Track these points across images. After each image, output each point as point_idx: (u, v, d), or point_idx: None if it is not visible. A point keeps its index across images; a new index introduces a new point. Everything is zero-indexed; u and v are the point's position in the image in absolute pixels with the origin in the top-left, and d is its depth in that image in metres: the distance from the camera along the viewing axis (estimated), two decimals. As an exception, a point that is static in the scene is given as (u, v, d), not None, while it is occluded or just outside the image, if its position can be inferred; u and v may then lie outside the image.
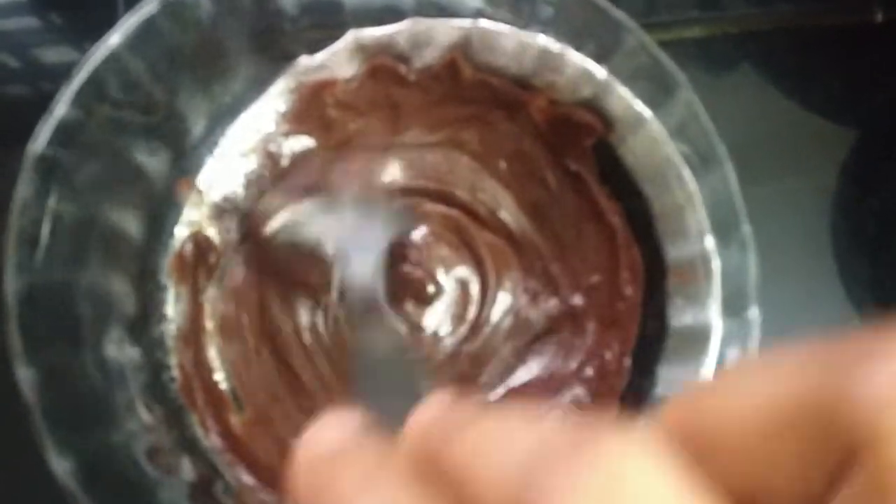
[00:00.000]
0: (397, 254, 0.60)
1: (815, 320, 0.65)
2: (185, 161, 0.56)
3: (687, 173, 0.53)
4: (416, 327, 0.61)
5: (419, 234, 0.61)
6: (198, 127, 0.56)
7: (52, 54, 0.68)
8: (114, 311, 0.52)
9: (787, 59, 0.71)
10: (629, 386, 0.56)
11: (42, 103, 0.47)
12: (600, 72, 0.53)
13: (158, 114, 0.53)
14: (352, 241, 0.53)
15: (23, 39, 0.67)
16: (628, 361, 0.56)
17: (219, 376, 0.57)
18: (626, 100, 0.54)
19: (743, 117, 0.67)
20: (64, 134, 0.48)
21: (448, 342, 0.60)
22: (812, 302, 0.65)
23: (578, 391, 0.58)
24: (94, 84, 0.49)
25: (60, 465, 0.44)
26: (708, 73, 0.70)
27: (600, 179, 0.58)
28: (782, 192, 0.67)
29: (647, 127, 0.53)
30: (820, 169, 0.69)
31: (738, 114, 0.67)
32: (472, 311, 0.61)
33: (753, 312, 0.50)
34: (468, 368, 0.60)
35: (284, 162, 0.59)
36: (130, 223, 0.53)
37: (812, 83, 0.71)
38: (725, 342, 0.51)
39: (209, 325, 0.57)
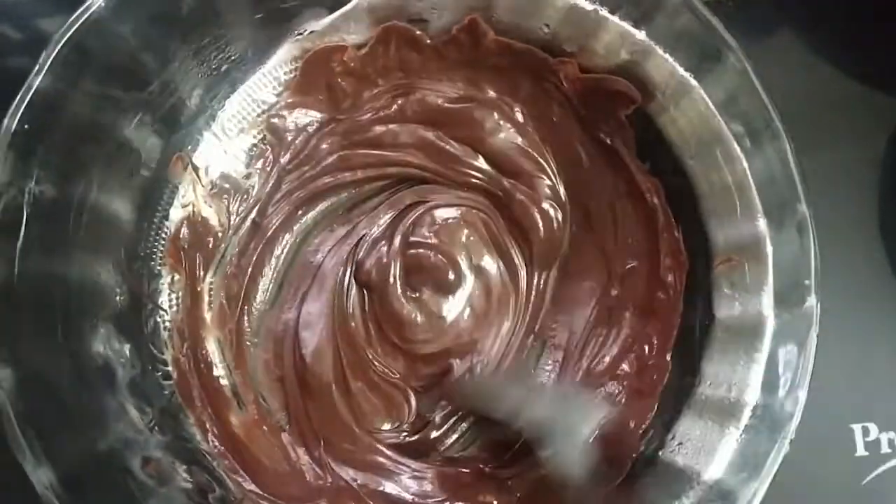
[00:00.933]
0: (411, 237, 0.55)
1: (863, 294, 0.61)
2: (180, 137, 0.51)
3: (736, 148, 0.47)
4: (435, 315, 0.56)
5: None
6: (193, 99, 0.51)
7: (54, 24, 0.63)
8: (101, 302, 0.47)
9: (829, 24, 0.66)
10: (669, 383, 0.51)
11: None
12: (639, 34, 0.48)
13: (149, 85, 0.48)
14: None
15: (23, 10, 0.62)
16: (669, 356, 0.51)
17: (219, 372, 0.52)
18: (669, 65, 0.48)
19: (783, 86, 0.61)
20: (43, 108, 0.43)
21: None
22: (858, 276, 0.61)
23: (613, 388, 0.53)
24: (76, 52, 0.43)
25: (39, 476, 0.39)
26: (746, 39, 0.65)
27: (639, 154, 0.52)
28: (826, 166, 0.62)
29: (691, 95, 0.48)
30: (867, 140, 0.64)
31: (778, 82, 0.61)
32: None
33: (811, 304, 0.44)
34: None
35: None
36: (119, 205, 0.48)
37: (856, 50, 0.65)
38: (778, 336, 0.45)
39: (208, 316, 0.52)
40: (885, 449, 0.57)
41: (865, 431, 0.58)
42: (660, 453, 0.48)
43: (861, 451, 0.58)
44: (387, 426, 0.56)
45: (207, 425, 0.50)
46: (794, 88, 0.62)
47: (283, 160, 0.55)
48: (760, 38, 0.65)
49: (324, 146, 0.56)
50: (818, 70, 0.64)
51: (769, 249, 0.46)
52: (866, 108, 0.65)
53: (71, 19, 0.43)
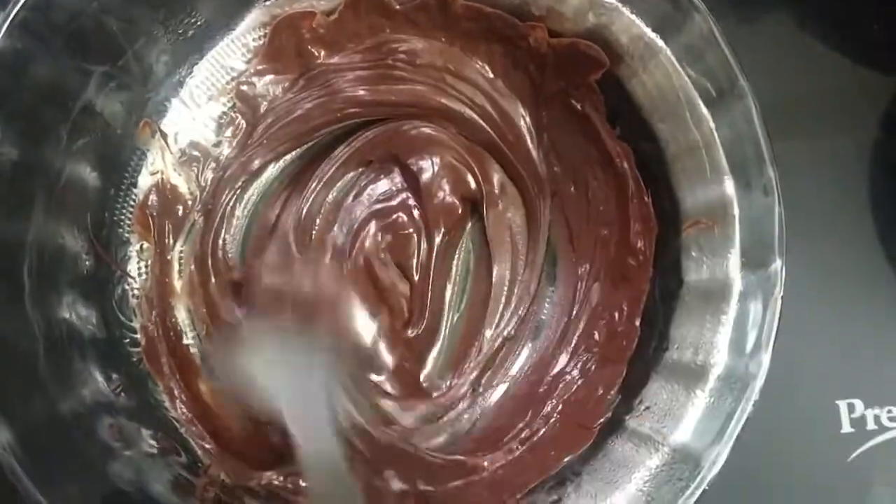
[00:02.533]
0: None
1: (851, 272, 0.60)
2: (147, 103, 0.51)
3: (704, 109, 0.46)
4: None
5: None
6: (159, 65, 0.51)
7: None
8: (67, 268, 0.47)
9: (821, 4, 0.65)
10: (638, 349, 0.50)
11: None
12: (606, -4, 0.47)
13: (113, 49, 0.48)
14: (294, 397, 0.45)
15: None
16: (638, 322, 0.50)
17: (188, 340, 0.52)
18: (636, 27, 0.48)
19: (775, 67, 0.62)
20: (3, 69, 0.42)
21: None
22: (846, 254, 0.60)
23: (584, 355, 0.53)
24: (37, 13, 0.43)
25: (-3, 436, 0.39)
26: (738, 20, 0.64)
27: (609, 119, 0.52)
28: (817, 146, 0.62)
29: (658, 57, 0.47)
30: (859, 120, 0.63)
31: (770, 63, 0.62)
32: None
33: (776, 265, 0.44)
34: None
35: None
36: (84, 171, 0.48)
37: (848, 29, 0.64)
38: (744, 298, 0.45)
39: (178, 284, 0.52)
40: (870, 425, 0.57)
41: (851, 408, 0.57)
42: (627, 418, 0.48)
43: (847, 427, 0.57)
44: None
45: (175, 392, 0.50)
46: (787, 68, 0.63)
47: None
48: (752, 18, 0.64)
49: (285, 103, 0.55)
50: (810, 50, 0.64)
51: (736, 211, 0.46)
52: (858, 87, 0.64)
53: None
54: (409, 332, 0.53)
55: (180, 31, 0.50)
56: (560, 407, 0.52)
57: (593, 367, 0.52)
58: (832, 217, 0.61)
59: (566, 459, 0.48)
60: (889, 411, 0.57)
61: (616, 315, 0.52)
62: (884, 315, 0.59)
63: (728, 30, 0.59)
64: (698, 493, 0.42)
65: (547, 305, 0.56)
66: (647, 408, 0.47)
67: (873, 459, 0.56)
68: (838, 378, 0.58)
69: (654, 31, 0.47)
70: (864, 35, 0.65)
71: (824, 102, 0.63)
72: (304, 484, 0.49)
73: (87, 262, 0.48)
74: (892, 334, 0.59)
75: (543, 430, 0.51)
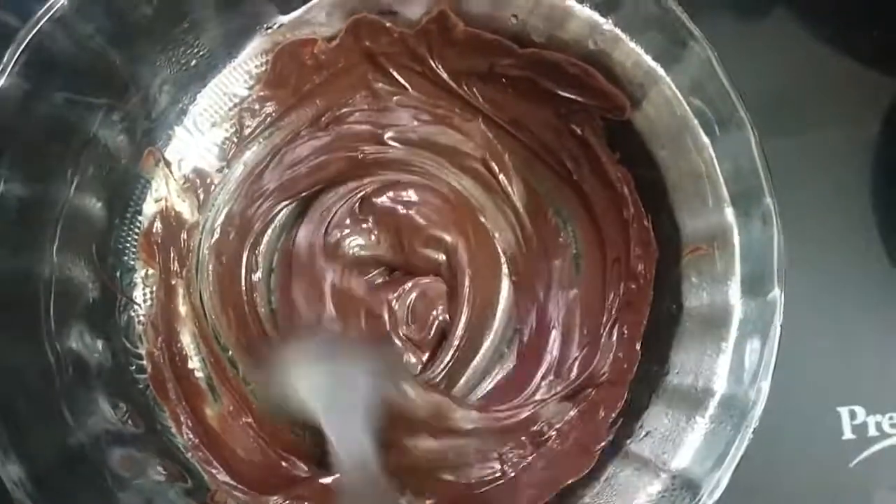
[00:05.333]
0: None
1: (852, 277, 0.60)
2: (151, 132, 0.51)
3: (704, 138, 0.47)
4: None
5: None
6: (163, 95, 0.51)
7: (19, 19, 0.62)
8: (74, 299, 0.48)
9: (824, 3, 0.65)
10: (639, 373, 0.51)
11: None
12: (605, 23, 0.48)
13: (116, 82, 0.48)
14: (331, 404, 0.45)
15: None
16: (638, 346, 0.51)
17: (194, 364, 0.53)
18: (636, 55, 0.48)
19: (776, 66, 0.62)
20: (8, 108, 0.43)
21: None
22: (848, 257, 0.60)
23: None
24: (40, 52, 0.43)
25: (8, 472, 0.40)
26: (738, 18, 0.64)
27: (609, 144, 0.52)
28: (818, 146, 0.62)
29: (659, 85, 0.48)
30: (860, 120, 0.63)
31: (771, 62, 0.62)
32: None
33: (775, 294, 0.44)
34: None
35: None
36: (90, 202, 0.48)
37: (851, 28, 0.64)
38: (744, 325, 0.45)
39: (183, 309, 0.53)
40: (872, 432, 0.57)
41: (853, 415, 0.58)
42: (628, 442, 0.49)
43: (848, 434, 0.57)
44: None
45: (182, 418, 0.50)
46: (788, 67, 0.63)
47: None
48: (750, 17, 0.64)
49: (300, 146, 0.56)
50: (813, 49, 0.64)
51: (736, 239, 0.46)
52: (859, 87, 0.64)
53: (34, 19, 0.43)
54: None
55: (183, 62, 0.50)
56: (561, 429, 0.52)
57: (594, 391, 0.52)
58: (833, 222, 0.61)
59: (567, 483, 0.49)
60: (891, 418, 0.57)
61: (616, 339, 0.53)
62: (885, 321, 0.60)
63: (729, 29, 0.60)
64: (701, 517, 0.42)
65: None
66: (648, 433, 0.48)
67: (875, 466, 0.57)
68: (839, 385, 0.58)
69: (654, 59, 0.48)
70: (869, 38, 0.65)
71: (825, 102, 0.63)
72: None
73: (93, 292, 0.49)
74: (894, 340, 0.59)
75: (539, 450, 0.52)
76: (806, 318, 0.57)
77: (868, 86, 0.63)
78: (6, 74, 0.42)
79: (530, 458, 0.52)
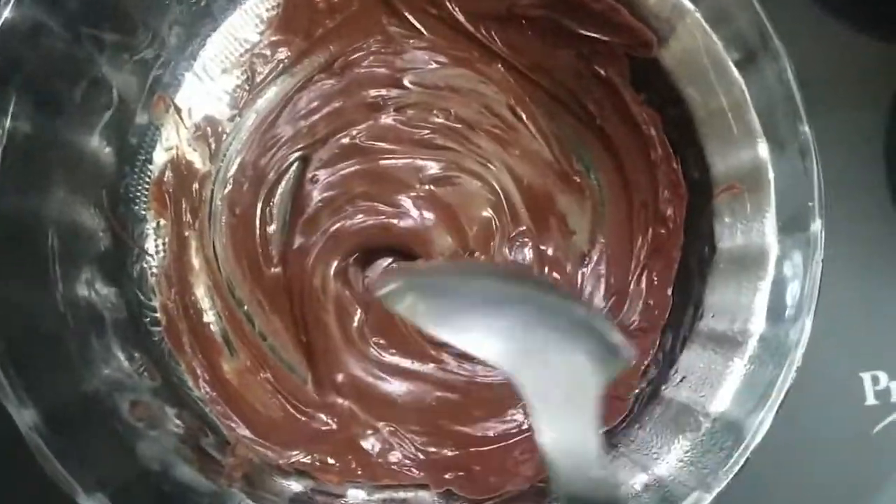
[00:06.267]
0: None
1: (877, 249, 0.59)
2: (161, 77, 0.50)
3: (734, 71, 0.45)
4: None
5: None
6: (172, 37, 0.49)
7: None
8: (84, 245, 0.46)
9: None
10: (671, 318, 0.49)
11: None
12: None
13: (125, 21, 0.46)
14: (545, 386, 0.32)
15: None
16: (670, 291, 0.50)
17: (209, 318, 0.51)
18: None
19: (797, 43, 0.60)
20: (15, 40, 0.41)
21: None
22: (868, 225, 0.59)
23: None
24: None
25: (23, 416, 0.38)
26: None
27: (633, 85, 0.51)
28: (839, 121, 0.60)
29: (687, 19, 0.46)
30: (878, 96, 0.61)
31: (793, 39, 0.60)
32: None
33: (815, 228, 0.43)
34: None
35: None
36: (99, 145, 0.46)
37: (871, 6, 0.63)
38: (781, 262, 0.44)
39: (196, 261, 0.51)
40: (895, 398, 0.56)
41: (875, 380, 0.57)
42: (663, 388, 0.47)
43: (871, 399, 0.56)
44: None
45: (198, 371, 0.49)
46: (808, 45, 0.61)
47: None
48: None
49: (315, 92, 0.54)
50: (832, 27, 0.61)
51: (771, 174, 0.45)
52: (881, 64, 0.62)
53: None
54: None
55: (192, 1, 0.49)
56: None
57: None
58: (854, 186, 0.59)
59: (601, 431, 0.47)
60: None
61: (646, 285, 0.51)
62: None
63: None
64: (742, 461, 0.41)
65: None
66: (684, 378, 0.47)
67: None
68: (862, 350, 0.57)
69: (681, -15, 0.46)
70: (890, 15, 0.63)
71: (841, 78, 0.61)
72: (331, 461, 0.48)
73: (104, 240, 0.47)
74: None
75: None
76: (829, 283, 0.56)
77: (888, 61, 0.61)
78: (12, 5, 0.40)
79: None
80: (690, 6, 0.46)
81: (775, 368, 0.42)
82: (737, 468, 0.41)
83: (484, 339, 0.32)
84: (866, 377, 0.57)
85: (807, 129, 0.43)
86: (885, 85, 0.61)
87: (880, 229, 0.59)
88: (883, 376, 0.57)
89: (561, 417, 0.31)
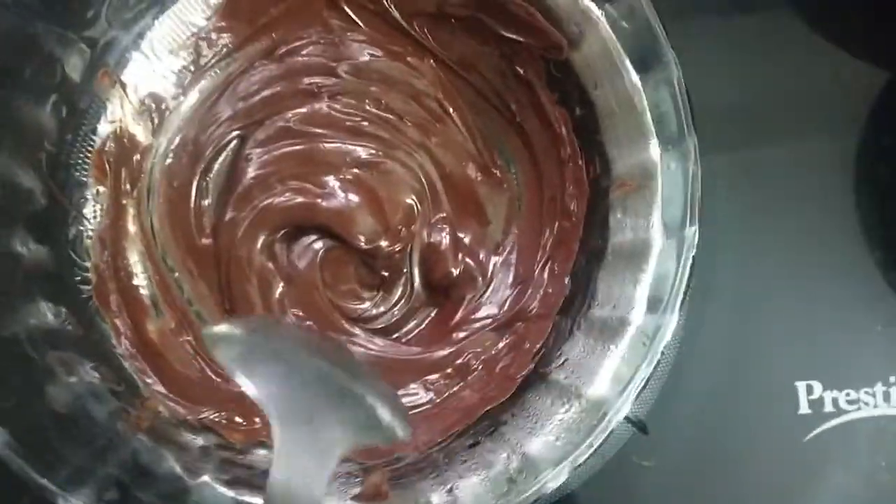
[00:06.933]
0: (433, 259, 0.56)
1: (815, 253, 0.60)
2: (107, 53, 0.53)
3: (635, 79, 0.48)
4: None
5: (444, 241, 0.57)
6: (120, 17, 0.52)
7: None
8: (20, 204, 0.49)
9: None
10: (564, 305, 0.52)
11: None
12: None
13: (75, 2, 0.50)
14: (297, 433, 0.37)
15: None
16: (567, 280, 0.52)
17: (139, 281, 0.55)
18: (574, -5, 0.49)
19: (775, 58, 0.62)
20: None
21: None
22: (814, 240, 0.60)
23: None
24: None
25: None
26: (741, 8, 0.64)
27: (550, 85, 0.54)
28: (804, 140, 0.61)
29: (595, 25, 0.49)
30: (852, 110, 0.62)
31: (772, 54, 0.62)
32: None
33: (693, 229, 0.45)
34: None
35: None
36: (40, 113, 0.50)
37: (842, 22, 0.64)
38: (662, 259, 0.47)
39: (132, 228, 0.55)
40: (828, 408, 0.57)
41: (809, 389, 0.58)
42: (547, 370, 0.50)
43: (804, 408, 0.58)
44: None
45: (122, 329, 0.52)
46: (782, 59, 0.62)
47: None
48: (758, 7, 0.64)
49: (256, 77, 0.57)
50: (811, 42, 0.63)
51: (660, 175, 0.47)
52: (848, 81, 0.63)
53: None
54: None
55: (142, -14, 0.52)
56: (484, 357, 0.54)
57: (522, 324, 0.54)
58: (803, 205, 0.61)
59: (489, 408, 0.50)
60: (847, 394, 0.57)
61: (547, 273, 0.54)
62: (845, 298, 0.60)
63: (712, 30, 0.61)
64: (602, 437, 0.44)
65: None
66: (566, 360, 0.49)
67: (829, 441, 0.57)
68: (798, 359, 0.58)
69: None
70: (854, 29, 0.64)
71: (811, 95, 0.62)
72: (238, 420, 0.52)
73: (42, 201, 0.51)
74: (854, 318, 0.59)
75: (466, 379, 0.53)
76: (769, 293, 0.59)
77: (861, 77, 0.62)
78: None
79: (457, 387, 0.54)
80: (598, 13, 0.49)
81: (642, 358, 0.45)
82: (597, 444, 0.44)
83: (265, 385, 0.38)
84: (801, 386, 0.58)
85: (690, 137, 0.46)
86: (859, 101, 0.62)
87: (824, 240, 0.61)
88: (817, 386, 0.58)
89: (298, 467, 0.36)
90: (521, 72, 0.54)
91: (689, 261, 0.45)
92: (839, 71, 0.62)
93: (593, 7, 0.49)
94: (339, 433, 0.37)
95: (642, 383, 0.44)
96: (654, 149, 0.47)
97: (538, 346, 0.52)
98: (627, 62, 0.48)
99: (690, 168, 0.46)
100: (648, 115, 0.48)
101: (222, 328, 0.40)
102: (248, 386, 0.38)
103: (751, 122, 0.61)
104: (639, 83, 0.48)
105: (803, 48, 0.62)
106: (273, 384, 0.38)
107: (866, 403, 0.57)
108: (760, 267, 0.59)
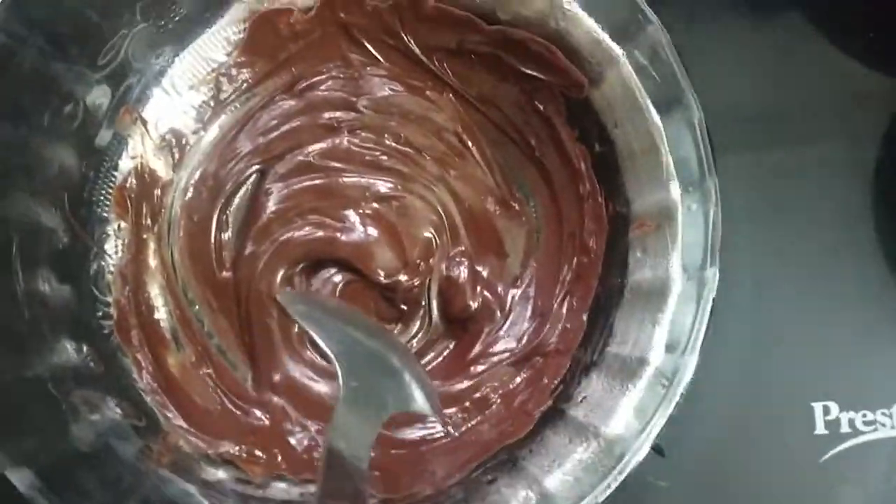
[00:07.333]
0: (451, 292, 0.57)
1: (831, 274, 0.60)
2: (128, 91, 0.54)
3: (655, 116, 0.48)
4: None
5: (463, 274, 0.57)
6: (139, 55, 0.53)
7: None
8: (43, 243, 0.50)
9: (838, 6, 0.64)
10: (582, 342, 0.52)
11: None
12: (567, 2, 0.49)
13: (93, 40, 0.50)
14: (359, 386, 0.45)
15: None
16: (585, 317, 0.53)
17: (160, 315, 0.55)
18: (596, 33, 0.49)
19: (788, 68, 0.62)
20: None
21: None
22: (832, 262, 0.60)
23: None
24: (17, 8, 0.46)
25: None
26: (754, 18, 0.64)
27: (570, 121, 0.54)
28: (828, 146, 0.62)
29: (617, 65, 0.49)
30: (869, 122, 0.62)
31: (784, 64, 0.62)
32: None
33: (712, 271, 0.46)
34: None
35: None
36: (63, 153, 0.51)
37: (863, 32, 0.64)
38: (681, 300, 0.47)
39: (153, 262, 0.55)
40: (844, 428, 0.57)
41: (826, 410, 0.58)
42: (565, 407, 0.50)
43: (821, 429, 0.58)
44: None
45: (143, 363, 0.53)
46: (800, 71, 0.63)
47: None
48: (772, 16, 0.65)
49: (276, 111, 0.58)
50: (824, 52, 0.64)
51: (680, 216, 0.47)
52: (864, 92, 0.63)
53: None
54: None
55: (161, 23, 0.52)
56: (502, 391, 0.54)
57: (540, 359, 0.54)
58: (817, 220, 0.61)
59: (506, 444, 0.51)
60: (864, 415, 0.57)
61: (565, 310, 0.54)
62: (863, 319, 0.60)
63: (738, 32, 0.61)
64: (620, 479, 0.44)
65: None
66: (585, 398, 0.49)
67: (844, 462, 0.57)
68: (815, 380, 0.58)
69: (612, 39, 0.49)
70: (867, 39, 0.64)
71: (829, 106, 0.63)
72: (258, 454, 0.52)
73: (64, 240, 0.51)
74: (871, 339, 0.59)
75: (484, 413, 0.53)
76: (784, 313, 0.59)
77: (878, 87, 0.63)
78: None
79: (474, 421, 0.54)
80: (619, 53, 0.49)
81: (660, 399, 0.45)
82: (614, 486, 0.44)
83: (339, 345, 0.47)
84: (817, 407, 0.58)
85: (712, 179, 0.46)
86: (880, 112, 0.63)
87: (843, 261, 0.60)
88: (834, 407, 0.58)
89: (354, 420, 0.43)
90: (541, 108, 0.55)
91: (709, 303, 0.46)
92: (857, 83, 0.63)
93: (615, 47, 0.49)
94: (387, 399, 0.45)
95: (660, 425, 0.45)
96: (675, 190, 0.48)
97: (556, 381, 0.52)
98: (649, 102, 0.48)
99: (711, 210, 0.46)
100: (669, 156, 0.48)
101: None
102: (324, 340, 0.46)
103: (767, 135, 0.61)
104: (660, 124, 0.48)
105: (821, 61, 0.63)
106: (341, 345, 0.46)
107: (883, 424, 0.57)
108: (776, 287, 0.59)
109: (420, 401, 0.47)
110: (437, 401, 0.49)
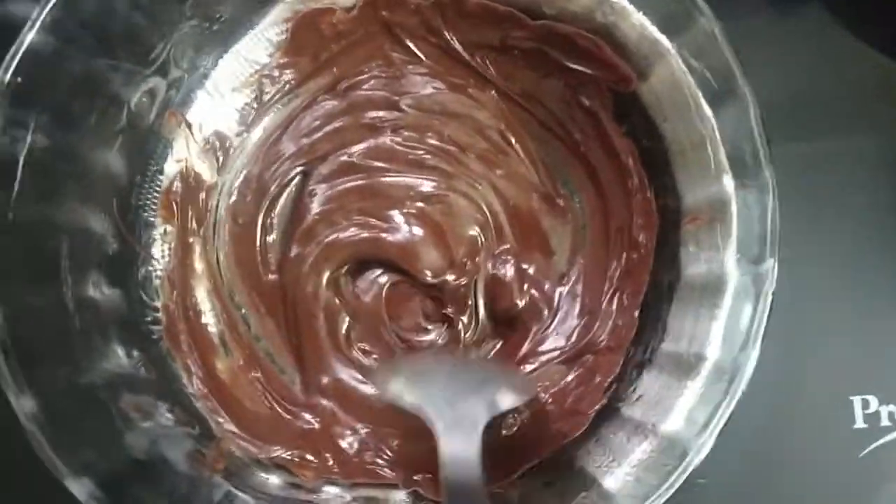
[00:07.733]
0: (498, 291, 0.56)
1: (869, 273, 0.59)
2: (174, 94, 0.54)
3: (706, 108, 0.48)
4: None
5: (509, 272, 0.57)
6: (185, 58, 0.53)
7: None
8: (93, 250, 0.50)
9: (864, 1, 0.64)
10: (635, 338, 0.52)
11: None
12: (614, -5, 0.49)
13: (139, 43, 0.50)
14: (448, 418, 0.45)
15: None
16: (637, 314, 0.52)
17: (207, 319, 0.55)
18: (643, 28, 0.49)
19: (811, 60, 0.61)
20: (36, 62, 0.45)
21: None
22: (867, 254, 0.59)
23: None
24: (68, 10, 0.46)
25: (21, 405, 0.42)
26: (776, 11, 0.63)
27: (617, 116, 0.53)
28: (854, 142, 0.61)
29: (666, 59, 0.48)
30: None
31: (807, 56, 0.61)
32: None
33: (769, 264, 0.45)
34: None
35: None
36: (111, 157, 0.51)
37: (888, 26, 0.63)
38: (738, 294, 0.46)
39: (199, 266, 0.55)
40: (884, 422, 0.57)
41: (865, 404, 0.57)
42: (621, 406, 0.50)
43: (860, 423, 0.57)
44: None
45: (193, 369, 0.53)
46: (823, 64, 0.62)
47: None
48: (792, 10, 0.64)
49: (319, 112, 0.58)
50: (848, 45, 0.63)
51: (734, 209, 0.47)
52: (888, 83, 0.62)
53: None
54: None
55: (205, 26, 0.52)
56: (553, 390, 0.54)
57: (592, 356, 0.53)
58: (852, 212, 0.60)
59: (561, 444, 0.50)
60: None
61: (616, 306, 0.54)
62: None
63: (758, 22, 0.60)
64: (683, 477, 0.43)
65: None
66: (641, 396, 0.49)
67: (886, 456, 0.56)
68: (853, 374, 0.58)
69: (660, 31, 0.48)
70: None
71: (865, 99, 0.62)
72: (310, 458, 0.52)
73: (113, 245, 0.51)
74: None
75: (538, 414, 0.53)
76: (822, 306, 0.58)
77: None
78: (35, 30, 0.44)
79: (526, 420, 0.53)
80: (669, 46, 0.48)
81: (722, 394, 0.44)
82: (678, 484, 0.43)
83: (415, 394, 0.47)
84: (857, 401, 0.57)
85: (767, 170, 0.45)
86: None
87: (878, 253, 0.60)
88: (873, 400, 0.57)
89: (456, 442, 0.44)
90: (587, 103, 0.54)
91: (770, 297, 0.45)
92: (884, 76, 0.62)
93: (663, 39, 0.48)
94: (479, 409, 0.45)
95: (723, 422, 0.44)
96: (729, 183, 0.47)
97: (609, 380, 0.52)
98: (700, 95, 0.48)
99: (769, 202, 0.45)
100: (722, 149, 0.47)
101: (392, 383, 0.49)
102: (408, 405, 0.46)
103: (801, 127, 0.60)
104: (712, 117, 0.47)
105: (847, 55, 0.62)
106: (421, 391, 0.47)
107: (923, 418, 0.56)
108: (813, 280, 0.58)
109: (509, 398, 0.48)
110: (529, 384, 0.52)
